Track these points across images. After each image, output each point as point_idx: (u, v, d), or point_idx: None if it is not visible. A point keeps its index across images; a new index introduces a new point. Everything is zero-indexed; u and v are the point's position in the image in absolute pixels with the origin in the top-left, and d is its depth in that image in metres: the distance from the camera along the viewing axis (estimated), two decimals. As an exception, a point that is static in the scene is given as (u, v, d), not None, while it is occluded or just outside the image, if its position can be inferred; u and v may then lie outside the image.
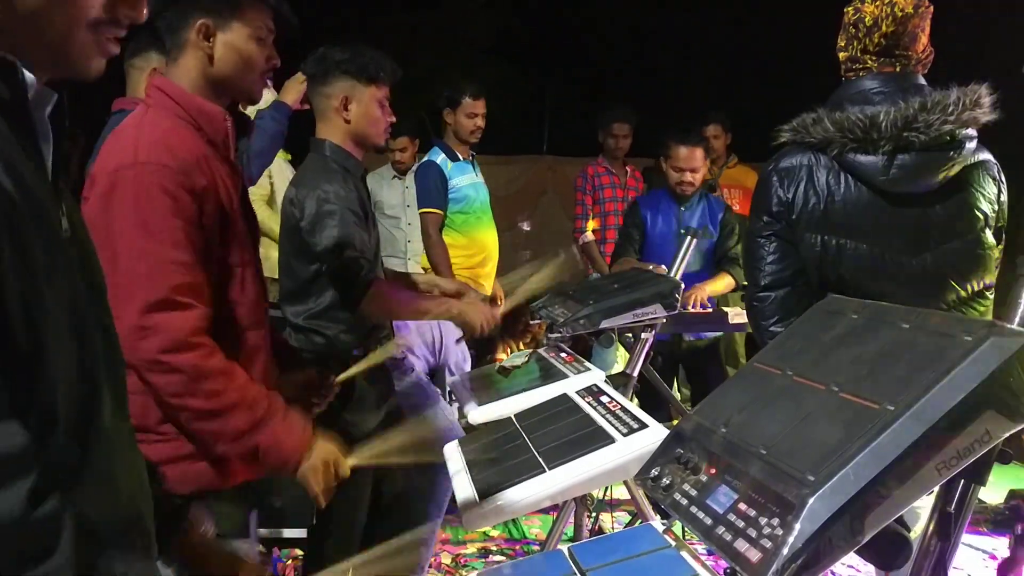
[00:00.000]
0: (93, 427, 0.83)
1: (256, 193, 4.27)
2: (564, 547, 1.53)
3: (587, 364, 2.39)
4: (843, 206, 1.97)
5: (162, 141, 1.56)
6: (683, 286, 2.62)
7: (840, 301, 1.35)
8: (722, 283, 3.82)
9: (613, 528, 3.33)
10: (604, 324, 2.57)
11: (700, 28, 8.52)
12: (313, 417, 1.88)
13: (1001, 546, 3.69)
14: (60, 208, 0.84)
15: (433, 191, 4.09)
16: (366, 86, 2.38)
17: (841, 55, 2.04)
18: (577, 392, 2.11)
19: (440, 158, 4.15)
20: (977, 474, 1.16)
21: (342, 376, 2.11)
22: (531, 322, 4.45)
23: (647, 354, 2.85)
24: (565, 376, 2.33)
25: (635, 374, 2.80)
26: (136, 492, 0.91)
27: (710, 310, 3.63)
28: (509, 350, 4.42)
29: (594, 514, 3.30)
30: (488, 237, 4.28)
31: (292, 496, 3.08)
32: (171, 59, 1.69)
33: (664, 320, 2.65)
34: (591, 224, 5.01)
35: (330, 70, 2.39)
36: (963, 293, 1.98)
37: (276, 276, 2.59)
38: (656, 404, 3.43)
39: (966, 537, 3.66)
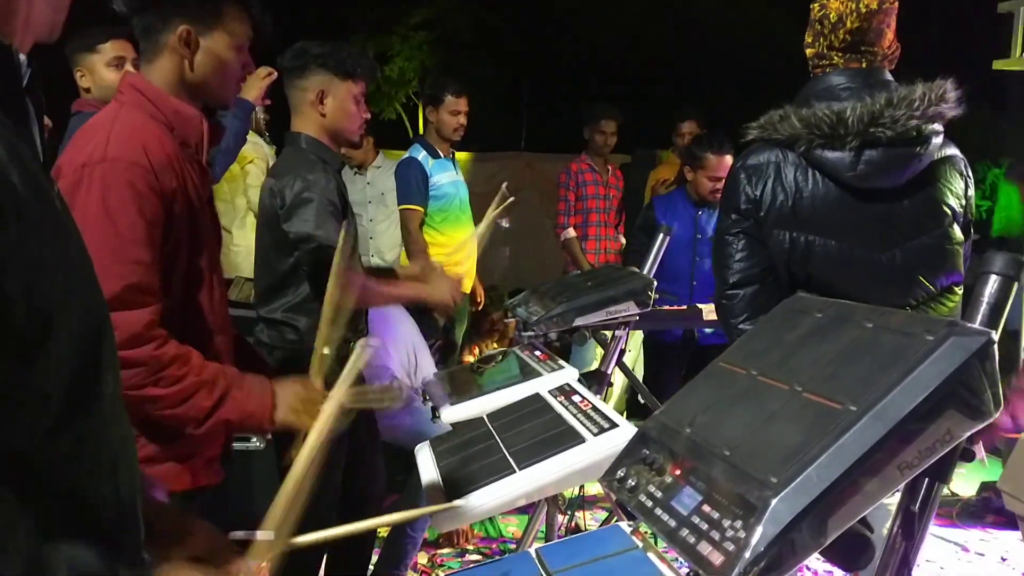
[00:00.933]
0: (94, 407, 0.81)
1: (258, 177, 4.18)
2: (532, 549, 1.52)
3: (561, 362, 2.38)
4: (811, 202, 1.97)
5: (135, 139, 1.54)
6: (656, 283, 2.62)
7: (805, 300, 1.34)
8: None
9: (587, 527, 3.33)
10: (577, 322, 2.56)
11: (675, 26, 8.53)
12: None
13: (973, 538, 3.73)
14: (55, 187, 0.82)
15: (414, 188, 4.07)
16: (343, 81, 2.39)
17: (808, 51, 2.04)
18: (549, 391, 2.10)
19: (421, 155, 4.14)
20: (941, 472, 1.15)
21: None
22: (504, 319, 4.44)
23: (621, 351, 2.84)
24: (539, 374, 2.32)
25: (609, 372, 2.80)
26: (135, 478, 0.89)
27: (684, 307, 3.63)
28: (477, 350, 4.41)
29: (569, 512, 3.30)
30: (467, 235, 4.26)
31: (264, 501, 3.06)
32: (145, 60, 1.66)
33: (637, 318, 2.64)
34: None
35: (307, 64, 2.39)
36: (932, 289, 1.99)
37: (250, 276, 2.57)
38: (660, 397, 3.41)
39: (939, 530, 3.69)
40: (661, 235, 2.86)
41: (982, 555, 3.57)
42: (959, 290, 2.03)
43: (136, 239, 1.48)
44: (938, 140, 1.93)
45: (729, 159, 3.81)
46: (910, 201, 1.96)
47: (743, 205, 2.02)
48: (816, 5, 2.02)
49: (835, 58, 1.98)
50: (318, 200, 2.27)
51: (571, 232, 4.95)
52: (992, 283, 1.17)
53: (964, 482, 4.22)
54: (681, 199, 4.00)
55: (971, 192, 2.05)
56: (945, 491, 1.32)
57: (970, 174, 2.05)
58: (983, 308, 1.16)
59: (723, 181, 3.76)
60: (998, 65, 5.17)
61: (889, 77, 1.99)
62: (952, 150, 2.02)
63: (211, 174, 1.78)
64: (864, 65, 1.97)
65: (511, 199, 3.04)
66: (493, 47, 9.56)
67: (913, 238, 1.97)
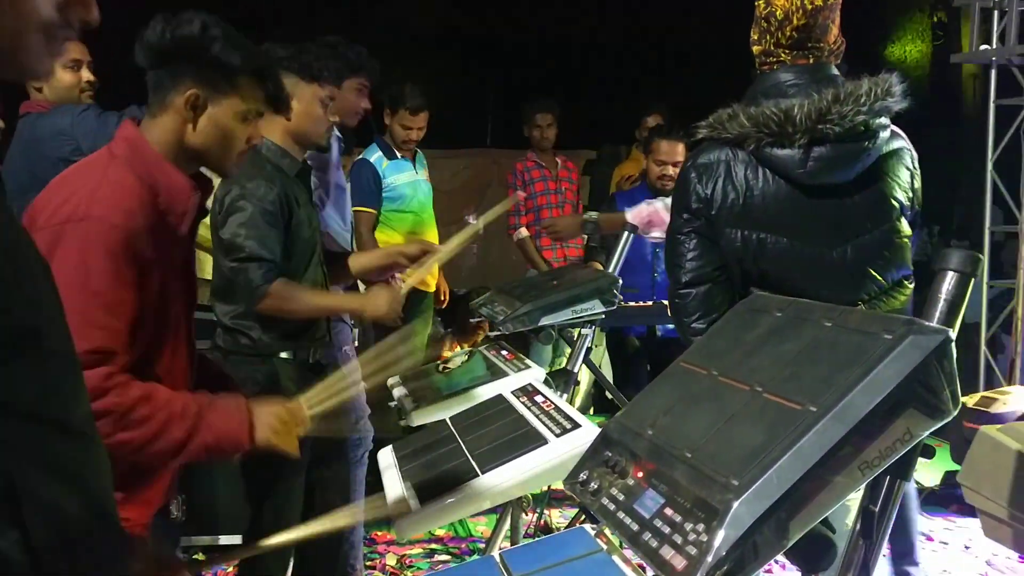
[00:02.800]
0: (67, 425, 0.82)
1: None
2: (496, 553, 1.51)
3: (528, 362, 2.37)
4: (762, 200, 1.97)
5: (119, 200, 1.49)
6: (620, 281, 2.61)
7: (764, 299, 1.34)
8: None
9: (558, 526, 3.32)
10: (543, 321, 2.54)
11: (640, 22, 8.55)
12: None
13: (937, 527, 3.78)
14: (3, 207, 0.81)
15: (366, 189, 4.02)
16: (308, 84, 2.35)
17: (755, 49, 2.04)
18: (512, 392, 2.09)
19: (375, 156, 4.09)
20: (902, 471, 1.15)
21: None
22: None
23: (587, 348, 2.84)
24: (505, 374, 2.30)
25: (575, 370, 2.79)
26: (107, 486, 0.89)
27: (649, 303, 3.63)
28: (457, 347, 4.38)
29: (539, 511, 3.29)
30: (428, 235, 4.21)
31: (224, 502, 3.03)
32: (149, 113, 1.62)
33: (603, 316, 2.64)
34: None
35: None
36: (884, 283, 2.00)
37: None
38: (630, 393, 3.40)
39: (904, 520, 3.72)
40: (626, 233, 2.85)
41: (946, 544, 3.61)
42: (910, 284, 2.05)
43: (106, 304, 1.44)
44: (885, 134, 1.94)
45: (681, 147, 3.83)
46: (859, 196, 1.97)
47: (694, 204, 2.02)
48: (761, 2, 2.01)
49: (782, 55, 1.98)
50: (253, 208, 2.22)
51: (523, 232, 4.91)
52: (949, 280, 1.17)
53: (928, 472, 4.27)
54: (643, 194, 4.01)
55: (918, 184, 2.06)
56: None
57: (916, 166, 2.07)
58: (940, 305, 1.15)
59: (671, 168, 3.82)
60: (955, 59, 5.25)
61: (836, 72, 2.00)
62: (899, 143, 2.03)
63: (187, 243, 1.72)
64: (811, 61, 1.98)
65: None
66: (458, 44, 9.52)
67: (863, 233, 1.97)
